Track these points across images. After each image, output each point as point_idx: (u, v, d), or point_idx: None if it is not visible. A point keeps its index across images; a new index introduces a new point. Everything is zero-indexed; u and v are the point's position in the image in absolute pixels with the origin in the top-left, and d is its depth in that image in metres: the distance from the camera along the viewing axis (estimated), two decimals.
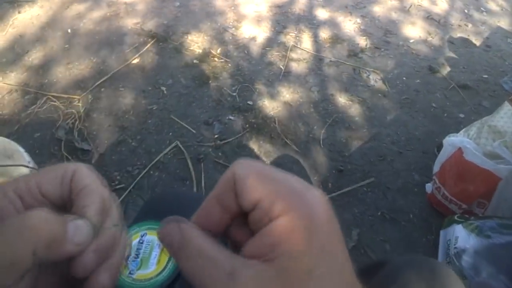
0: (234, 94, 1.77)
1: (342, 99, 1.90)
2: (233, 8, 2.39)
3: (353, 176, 1.52)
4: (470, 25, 2.73)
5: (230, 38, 2.14)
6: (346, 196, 1.43)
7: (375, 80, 2.08)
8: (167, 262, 0.45)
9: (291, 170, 1.49)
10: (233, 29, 2.22)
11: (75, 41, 1.83)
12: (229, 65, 1.94)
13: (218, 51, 2.02)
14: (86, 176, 0.28)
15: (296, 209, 0.22)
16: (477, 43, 2.64)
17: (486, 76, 2.30)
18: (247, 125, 1.62)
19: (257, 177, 0.23)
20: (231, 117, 1.63)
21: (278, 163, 1.48)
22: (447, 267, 0.56)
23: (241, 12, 2.36)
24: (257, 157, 1.48)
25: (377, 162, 1.60)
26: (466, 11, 2.87)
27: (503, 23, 2.81)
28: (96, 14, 2.03)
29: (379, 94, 1.99)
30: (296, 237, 0.21)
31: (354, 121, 1.79)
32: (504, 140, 1.36)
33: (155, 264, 0.45)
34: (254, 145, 1.53)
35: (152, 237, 0.48)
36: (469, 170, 1.32)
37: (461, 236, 1.17)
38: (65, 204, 0.28)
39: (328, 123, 1.74)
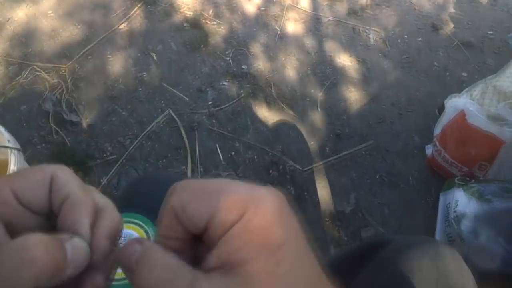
0: (228, 58, 1.70)
1: (340, 61, 1.82)
2: None
3: (351, 140, 1.48)
4: None
5: None
6: (344, 160, 1.41)
7: (375, 39, 1.99)
8: None
9: (288, 136, 1.45)
10: None
11: (59, 6, 1.73)
12: (222, 28, 1.85)
13: (210, 13, 1.92)
14: (68, 181, 0.25)
15: (245, 213, 0.21)
16: None
17: (491, 32, 2.20)
18: (241, 91, 1.56)
19: (196, 201, 0.22)
20: (225, 83, 1.58)
21: (274, 129, 1.44)
22: (451, 248, 0.54)
23: None
24: (252, 124, 1.44)
25: (376, 125, 1.56)
26: None
27: None
28: None
29: (379, 54, 1.91)
30: (250, 240, 0.21)
31: (352, 83, 1.73)
32: (510, 102, 1.30)
33: None
34: (249, 112, 1.48)
35: (129, 231, 0.45)
36: (472, 134, 1.28)
37: (461, 201, 1.15)
38: (47, 213, 0.25)
39: (326, 86, 1.68)
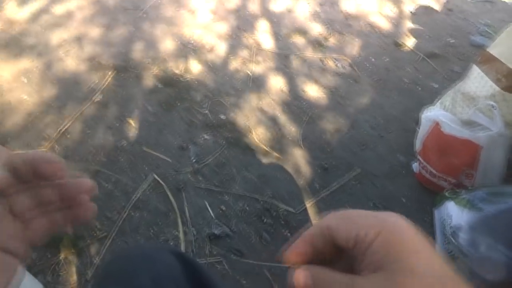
0: (205, 111, 1.73)
1: (314, 93, 1.87)
2: (189, 21, 2.34)
3: (338, 171, 1.49)
4: None
5: (192, 53, 2.09)
6: (335, 193, 1.41)
7: (343, 66, 2.05)
8: None
9: (276, 179, 1.45)
10: (194, 43, 2.17)
11: (32, 89, 1.77)
12: (195, 82, 1.90)
13: (182, 69, 1.97)
14: None
15: (385, 230, 0.28)
16: (438, 8, 2.63)
17: (452, 40, 2.29)
18: (223, 141, 1.58)
19: (341, 223, 0.30)
20: (205, 137, 1.59)
21: (261, 174, 1.45)
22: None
23: (198, 24, 2.32)
24: (238, 173, 1.44)
25: (360, 152, 1.58)
26: None
27: None
28: (48, 57, 1.97)
29: (350, 80, 1.97)
30: (392, 248, 0.27)
31: (330, 114, 1.76)
32: (479, 106, 1.34)
33: None
34: (233, 161, 1.49)
35: None
36: (450, 143, 1.30)
37: (455, 214, 1.15)
38: None
39: (304, 121, 1.71)
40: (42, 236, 0.36)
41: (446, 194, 1.26)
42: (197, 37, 2.21)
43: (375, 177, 1.47)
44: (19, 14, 2.22)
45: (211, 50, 2.12)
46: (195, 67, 1.99)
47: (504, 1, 2.74)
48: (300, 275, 0.31)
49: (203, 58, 2.06)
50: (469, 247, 1.07)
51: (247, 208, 1.31)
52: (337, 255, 0.32)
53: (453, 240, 1.10)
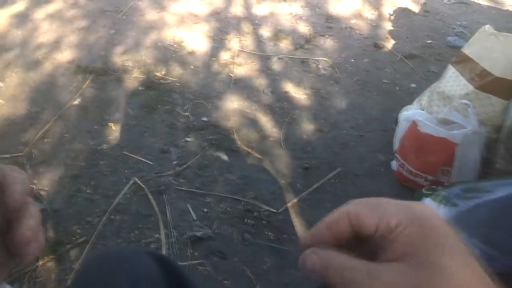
0: (187, 113, 1.73)
1: (296, 95, 1.88)
2: (171, 24, 2.33)
3: (319, 171, 1.51)
4: None
5: (173, 55, 2.09)
6: (316, 193, 1.42)
7: (324, 68, 2.08)
8: None
9: (258, 180, 1.46)
10: (175, 45, 2.16)
11: (9, 93, 1.73)
12: (177, 84, 1.89)
13: (163, 72, 1.96)
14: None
15: (411, 221, 0.27)
16: (416, 10, 2.69)
17: (429, 41, 2.35)
18: (205, 144, 1.58)
19: (368, 210, 0.29)
20: (187, 139, 1.59)
21: (243, 176, 1.45)
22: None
23: (180, 27, 2.31)
24: (220, 175, 1.44)
25: (340, 151, 1.60)
26: None
27: None
28: (26, 60, 1.93)
29: (331, 81, 1.99)
30: (419, 241, 0.26)
31: (311, 114, 1.78)
32: (453, 105, 1.38)
33: None
34: (215, 163, 1.49)
35: None
36: (426, 141, 1.34)
37: None
38: None
39: (286, 122, 1.72)
40: None
41: (424, 191, 1.28)
42: (178, 39, 2.20)
43: (355, 176, 1.49)
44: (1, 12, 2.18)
45: (192, 52, 2.12)
46: (176, 70, 1.98)
47: (479, 3, 2.82)
48: (308, 256, 0.30)
49: (184, 60, 2.05)
50: None
51: (229, 210, 1.32)
52: (359, 242, 0.31)
53: None
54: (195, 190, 1.36)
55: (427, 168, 1.36)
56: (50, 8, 2.36)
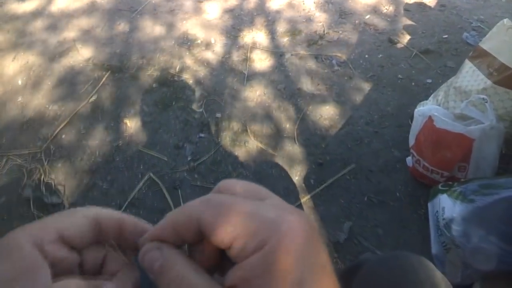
0: (201, 110, 1.74)
1: (309, 91, 1.88)
2: (184, 22, 2.35)
3: (333, 167, 1.50)
4: None
5: (187, 53, 2.10)
6: (330, 188, 1.41)
7: (338, 64, 2.06)
8: None
9: (271, 176, 1.46)
10: (188, 43, 2.18)
11: (27, 91, 1.77)
12: (191, 81, 1.91)
13: (177, 69, 1.98)
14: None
15: (266, 244, 0.22)
16: (432, 4, 2.64)
17: (446, 36, 2.30)
18: (219, 139, 1.59)
19: (225, 220, 0.23)
20: (201, 135, 1.60)
21: (257, 171, 1.46)
22: (422, 261, 0.54)
23: (194, 25, 2.33)
24: (234, 171, 1.45)
25: (355, 147, 1.59)
26: None
27: None
28: (44, 58, 1.98)
29: (345, 77, 1.97)
30: (268, 272, 0.21)
31: (325, 110, 1.77)
32: (471, 100, 1.35)
33: None
34: (229, 159, 1.50)
35: None
36: (443, 137, 1.31)
37: (447, 206, 1.15)
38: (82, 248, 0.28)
39: (299, 118, 1.72)
40: None
41: (440, 187, 1.27)
42: (192, 37, 2.22)
43: (370, 172, 1.48)
44: (19, 11, 2.23)
45: (206, 49, 2.13)
46: (190, 67, 2.00)
47: None
48: (150, 252, 0.26)
49: (198, 57, 2.07)
50: (462, 239, 1.08)
51: None
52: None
53: (446, 232, 1.11)
54: (209, 186, 1.37)
55: (444, 164, 1.33)
56: (67, 6, 2.40)
